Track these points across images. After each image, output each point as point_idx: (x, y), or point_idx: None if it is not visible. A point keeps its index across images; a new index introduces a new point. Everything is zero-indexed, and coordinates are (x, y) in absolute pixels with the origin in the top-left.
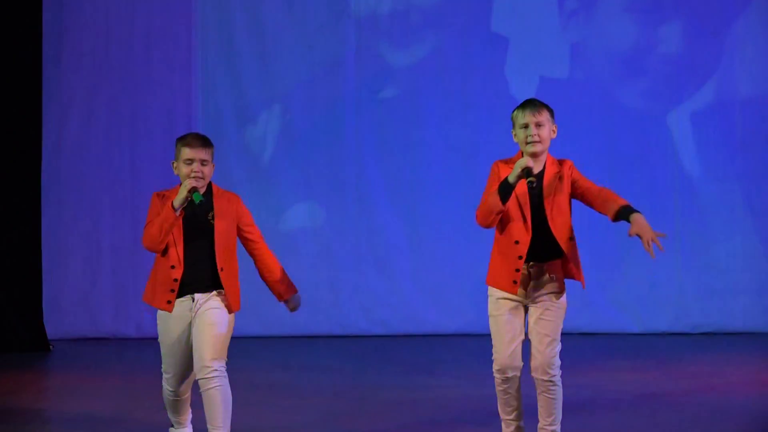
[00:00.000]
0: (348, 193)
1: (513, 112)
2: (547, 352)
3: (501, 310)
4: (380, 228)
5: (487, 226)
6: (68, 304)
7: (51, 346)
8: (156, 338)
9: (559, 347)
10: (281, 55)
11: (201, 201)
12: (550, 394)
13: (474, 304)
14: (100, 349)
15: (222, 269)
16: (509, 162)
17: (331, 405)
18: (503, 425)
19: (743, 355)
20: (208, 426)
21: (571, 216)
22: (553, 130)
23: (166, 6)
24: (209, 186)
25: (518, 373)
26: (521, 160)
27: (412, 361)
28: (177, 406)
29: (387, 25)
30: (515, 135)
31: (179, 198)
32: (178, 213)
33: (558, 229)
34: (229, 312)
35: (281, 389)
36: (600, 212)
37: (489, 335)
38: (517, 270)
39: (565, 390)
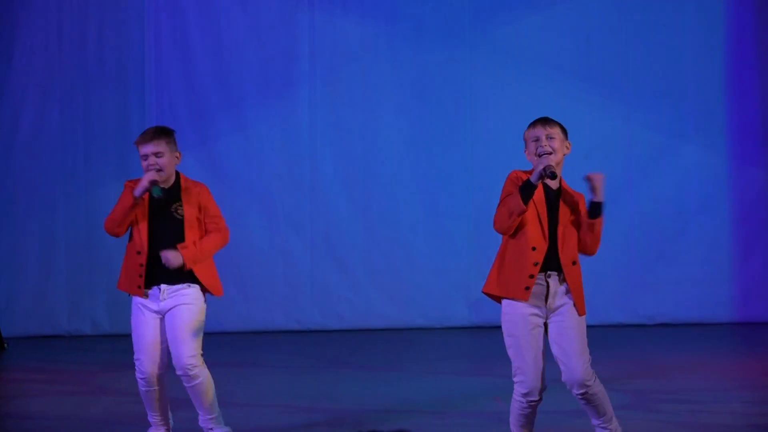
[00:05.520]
0: (303, 188)
1: (525, 132)
2: (581, 365)
3: (523, 330)
4: (336, 223)
5: (506, 231)
6: (22, 303)
7: (5, 345)
8: (111, 335)
9: (589, 358)
10: (235, 50)
11: (159, 196)
12: (592, 402)
13: (430, 299)
14: (55, 347)
15: None
16: (528, 173)
17: (288, 400)
18: None
19: (699, 346)
20: (200, 415)
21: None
22: (567, 146)
23: (118, 1)
24: (177, 177)
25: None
26: (543, 159)
27: (369, 356)
28: (151, 398)
29: (341, 20)
30: (527, 152)
31: (139, 187)
32: (136, 201)
33: (564, 244)
34: (213, 293)
35: (237, 386)
36: (581, 238)
37: (446, 329)
38: (531, 276)
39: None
